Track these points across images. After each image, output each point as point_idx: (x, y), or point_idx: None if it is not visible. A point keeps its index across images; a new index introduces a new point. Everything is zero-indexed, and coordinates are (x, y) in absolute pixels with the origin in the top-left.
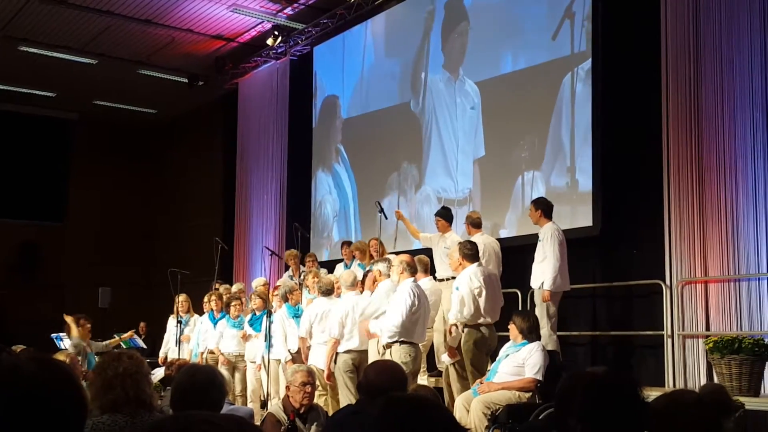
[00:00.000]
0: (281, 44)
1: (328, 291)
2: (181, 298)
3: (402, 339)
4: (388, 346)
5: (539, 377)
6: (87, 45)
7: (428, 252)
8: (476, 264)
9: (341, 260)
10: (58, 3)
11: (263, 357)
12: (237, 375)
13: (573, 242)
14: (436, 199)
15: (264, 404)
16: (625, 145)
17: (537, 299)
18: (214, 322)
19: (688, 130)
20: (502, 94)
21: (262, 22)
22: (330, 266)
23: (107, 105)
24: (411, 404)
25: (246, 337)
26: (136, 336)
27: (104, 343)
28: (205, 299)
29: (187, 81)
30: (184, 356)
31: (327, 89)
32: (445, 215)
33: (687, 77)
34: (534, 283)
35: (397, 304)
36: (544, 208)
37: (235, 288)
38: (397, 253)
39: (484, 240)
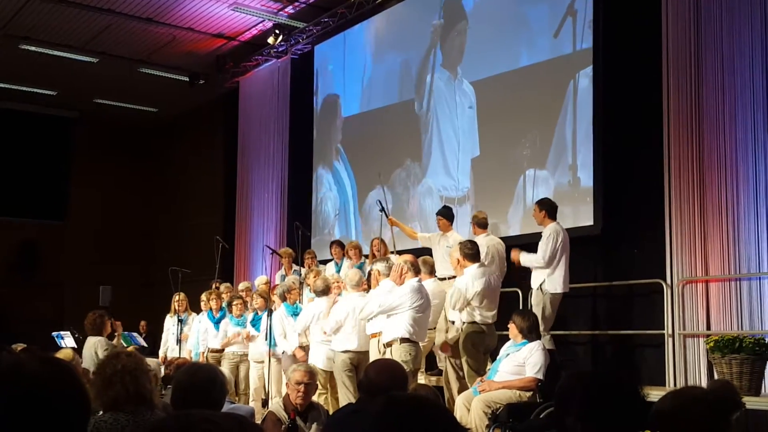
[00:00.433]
0: (282, 43)
1: (323, 291)
2: (180, 297)
3: (403, 337)
4: (389, 344)
5: (540, 376)
6: (88, 43)
7: (428, 252)
8: (477, 265)
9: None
10: (59, 1)
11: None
12: (241, 373)
13: (574, 241)
14: (438, 196)
15: (265, 403)
16: (626, 144)
17: (535, 299)
18: (214, 321)
19: (689, 130)
20: (504, 93)
21: (263, 20)
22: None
23: (108, 103)
24: (411, 403)
25: (249, 338)
26: (136, 334)
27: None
28: (204, 297)
29: (188, 79)
30: (184, 355)
31: (328, 88)
32: (446, 214)
33: (688, 76)
34: (533, 282)
35: (400, 298)
36: (548, 208)
37: (241, 287)
38: (399, 253)
39: (488, 241)
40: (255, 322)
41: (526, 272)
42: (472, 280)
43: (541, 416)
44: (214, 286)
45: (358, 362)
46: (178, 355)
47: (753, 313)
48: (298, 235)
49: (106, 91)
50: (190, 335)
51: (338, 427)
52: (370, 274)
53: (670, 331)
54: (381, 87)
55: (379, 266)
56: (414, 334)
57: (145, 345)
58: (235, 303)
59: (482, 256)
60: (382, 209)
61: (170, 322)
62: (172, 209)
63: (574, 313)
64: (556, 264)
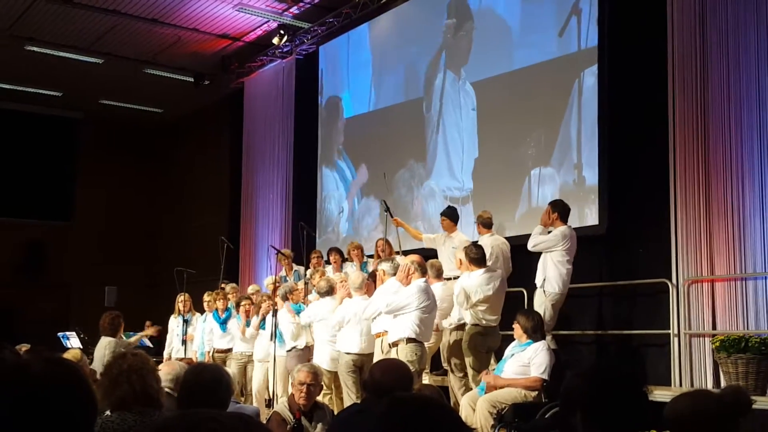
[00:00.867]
0: (287, 43)
1: (327, 292)
2: (184, 297)
3: (409, 337)
4: (395, 344)
5: (545, 376)
6: (93, 44)
7: (433, 253)
8: (483, 270)
9: (345, 259)
10: (64, 2)
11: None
12: (249, 374)
13: (579, 240)
14: (442, 197)
15: (269, 403)
16: (632, 143)
17: (537, 300)
18: (220, 321)
19: (694, 128)
20: (509, 92)
21: (268, 21)
22: None
23: (113, 104)
24: (416, 404)
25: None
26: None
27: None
28: (208, 298)
29: (193, 80)
30: (189, 356)
31: (333, 88)
32: (450, 214)
33: (694, 75)
34: (537, 281)
35: (408, 298)
36: (561, 210)
37: (251, 290)
38: (405, 254)
39: (492, 241)
40: (262, 324)
41: (532, 271)
42: (478, 286)
43: (546, 416)
44: (220, 287)
45: (362, 364)
46: (183, 356)
47: (759, 312)
48: (303, 235)
49: (111, 92)
50: (195, 336)
51: (343, 427)
52: (374, 274)
53: (675, 331)
54: (386, 87)
55: (385, 266)
56: (420, 334)
57: (151, 345)
58: (243, 303)
59: (486, 256)
60: (387, 209)
61: (174, 323)
62: (177, 210)
63: (580, 313)
64: (557, 263)
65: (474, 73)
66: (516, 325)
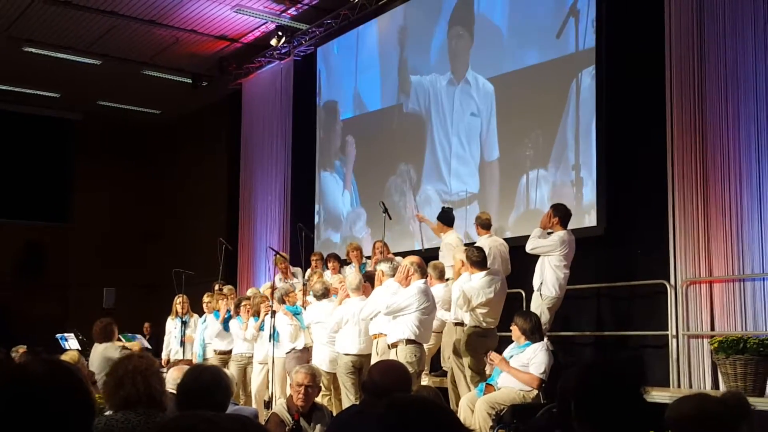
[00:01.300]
0: (285, 45)
1: (323, 294)
2: (182, 299)
3: (408, 338)
4: (394, 345)
5: (544, 377)
6: (91, 45)
7: (434, 255)
8: (484, 273)
9: (343, 262)
10: (62, 3)
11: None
12: (248, 376)
13: (577, 242)
14: (438, 199)
15: (267, 405)
16: (629, 144)
17: (534, 303)
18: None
19: (692, 129)
20: (506, 93)
21: (266, 22)
22: None
23: (111, 105)
24: (415, 405)
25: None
26: (139, 336)
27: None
28: (207, 299)
29: (191, 81)
30: (188, 357)
31: (330, 89)
32: (442, 217)
33: (691, 76)
34: (534, 283)
35: (408, 299)
36: (562, 215)
37: (249, 293)
38: (403, 255)
39: (491, 243)
40: (262, 326)
41: (530, 273)
42: (479, 289)
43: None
44: (217, 288)
45: (360, 365)
46: (182, 357)
47: (757, 313)
48: (302, 236)
49: (110, 93)
50: (195, 338)
51: (342, 428)
52: (369, 274)
53: (674, 332)
54: (383, 89)
55: (383, 267)
56: (419, 336)
57: (149, 347)
58: (243, 304)
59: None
60: (385, 210)
61: (172, 325)
62: (176, 211)
63: (578, 314)
64: (554, 267)
65: (471, 75)
66: (514, 327)
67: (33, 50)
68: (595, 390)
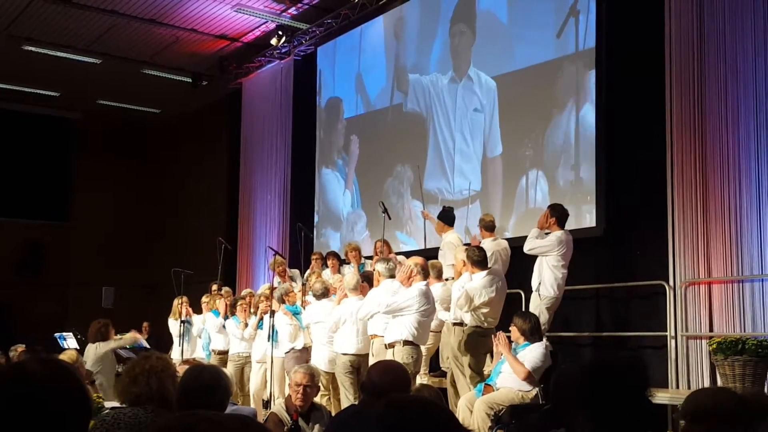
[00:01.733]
0: (285, 44)
1: (323, 294)
2: (183, 300)
3: (406, 339)
4: (391, 345)
5: (534, 374)
6: (91, 44)
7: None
8: (485, 272)
9: (343, 261)
10: (62, 2)
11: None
12: (246, 375)
13: (576, 243)
14: (438, 198)
15: (266, 404)
16: (629, 145)
17: (533, 303)
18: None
19: (692, 130)
20: (507, 92)
21: (266, 22)
22: None
23: (111, 104)
24: (413, 405)
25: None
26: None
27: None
28: (206, 299)
29: (191, 81)
30: (198, 355)
31: (330, 89)
32: (443, 216)
33: (691, 77)
34: (533, 284)
35: (408, 300)
36: (559, 215)
37: (244, 293)
38: (406, 255)
39: (494, 246)
40: (260, 326)
41: (529, 274)
42: (481, 288)
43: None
44: (214, 288)
45: (358, 364)
46: (190, 357)
47: (756, 314)
48: (301, 236)
49: (109, 92)
50: (203, 337)
51: (341, 428)
52: (366, 274)
53: (672, 333)
54: (384, 88)
55: (380, 267)
56: (417, 337)
57: (148, 346)
58: (240, 304)
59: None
60: (385, 210)
61: (175, 325)
62: (175, 210)
63: (577, 315)
64: (552, 268)
65: (473, 71)
66: (513, 328)
67: (33, 49)
68: (602, 388)
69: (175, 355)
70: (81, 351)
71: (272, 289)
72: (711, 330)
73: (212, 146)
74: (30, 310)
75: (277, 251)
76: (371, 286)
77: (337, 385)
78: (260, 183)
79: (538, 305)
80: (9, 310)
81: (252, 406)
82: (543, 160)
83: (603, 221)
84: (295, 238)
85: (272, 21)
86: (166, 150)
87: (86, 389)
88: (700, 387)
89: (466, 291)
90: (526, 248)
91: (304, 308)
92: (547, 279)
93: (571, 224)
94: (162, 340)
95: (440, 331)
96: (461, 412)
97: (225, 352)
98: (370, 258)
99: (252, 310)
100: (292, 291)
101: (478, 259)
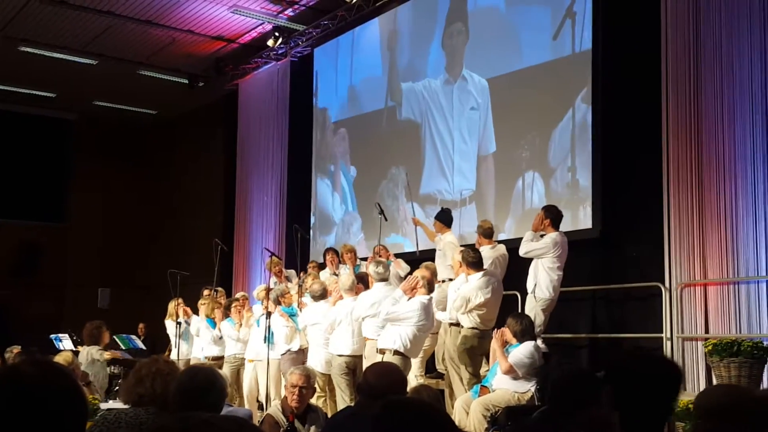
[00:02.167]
0: (282, 45)
1: (321, 295)
2: (179, 301)
3: (396, 349)
4: (382, 351)
5: (516, 369)
6: (87, 45)
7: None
8: (481, 274)
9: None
10: (58, 3)
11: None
12: (242, 377)
13: (573, 244)
14: (435, 200)
15: (261, 406)
16: (625, 147)
17: (528, 305)
18: (214, 326)
19: (688, 132)
20: (503, 94)
21: (263, 23)
22: None
23: (107, 105)
24: (409, 407)
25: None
26: (135, 337)
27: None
28: (203, 303)
29: (187, 82)
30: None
31: (327, 91)
32: (441, 217)
33: (687, 79)
34: (528, 286)
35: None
36: (553, 217)
37: (238, 296)
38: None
39: (493, 254)
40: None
41: (525, 275)
42: (477, 289)
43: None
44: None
45: (354, 366)
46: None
47: (751, 316)
48: (297, 238)
49: (106, 93)
50: (200, 338)
51: (337, 430)
52: (361, 276)
53: (668, 335)
54: (381, 90)
55: (372, 270)
56: (408, 350)
57: (144, 348)
58: (234, 305)
59: (486, 267)
60: (381, 212)
61: (172, 326)
62: (171, 211)
63: (573, 317)
64: (547, 269)
65: (467, 72)
66: (506, 329)
67: (29, 50)
68: (641, 378)
69: (173, 356)
70: (76, 353)
71: (269, 289)
72: (707, 332)
73: (209, 147)
74: (26, 311)
75: (273, 252)
76: (366, 287)
77: (333, 386)
78: (256, 184)
79: (534, 307)
80: (5, 311)
81: (246, 406)
82: (539, 161)
83: (599, 223)
84: (292, 239)
85: (269, 22)
86: (163, 151)
87: (82, 391)
88: (696, 389)
89: (461, 295)
90: (522, 252)
91: (301, 310)
92: (542, 281)
93: (567, 226)
94: (158, 342)
95: (437, 333)
96: (457, 414)
97: (219, 358)
98: (365, 260)
99: (246, 311)
100: (289, 292)
101: (473, 260)
